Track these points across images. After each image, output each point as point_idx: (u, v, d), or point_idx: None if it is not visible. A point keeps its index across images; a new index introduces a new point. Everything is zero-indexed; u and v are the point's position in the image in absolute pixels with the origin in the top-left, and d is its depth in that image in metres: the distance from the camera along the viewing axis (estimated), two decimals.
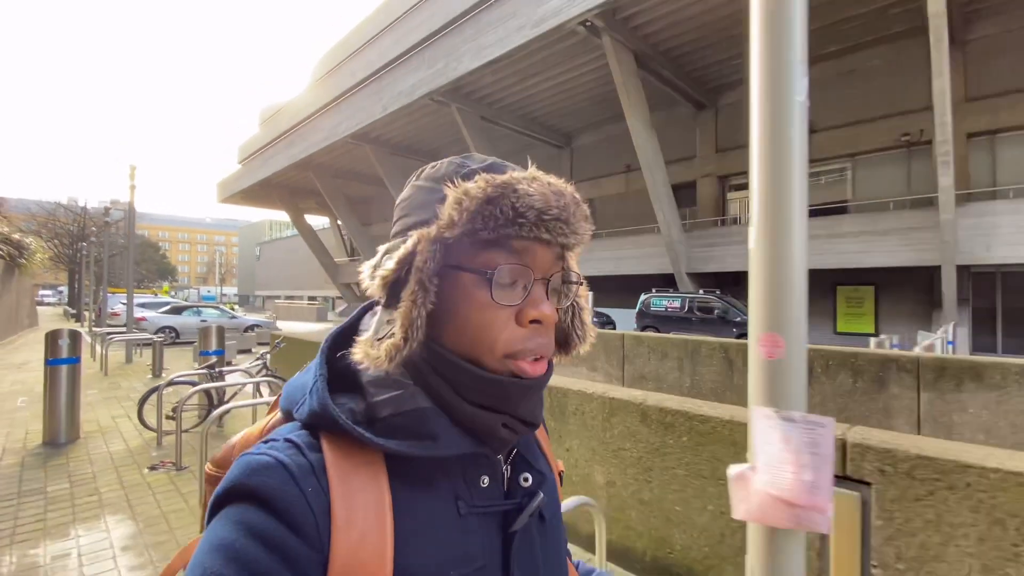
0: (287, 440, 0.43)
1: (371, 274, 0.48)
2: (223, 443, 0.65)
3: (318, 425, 0.44)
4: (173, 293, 56.82)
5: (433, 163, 0.52)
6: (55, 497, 3.36)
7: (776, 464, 0.91)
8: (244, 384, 4.78)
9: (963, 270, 12.08)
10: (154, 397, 4.62)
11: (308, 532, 0.38)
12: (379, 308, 0.49)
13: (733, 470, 0.99)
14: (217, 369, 4.88)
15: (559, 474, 0.63)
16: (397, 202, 0.53)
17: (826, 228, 13.08)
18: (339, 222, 32.18)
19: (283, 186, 30.40)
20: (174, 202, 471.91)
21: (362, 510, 0.41)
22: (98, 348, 10.30)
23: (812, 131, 15.18)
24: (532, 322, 0.47)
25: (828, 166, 15.39)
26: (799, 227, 0.92)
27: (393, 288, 0.46)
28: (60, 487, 3.54)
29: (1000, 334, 12.38)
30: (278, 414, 0.52)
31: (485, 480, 0.49)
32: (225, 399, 4.79)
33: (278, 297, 51.10)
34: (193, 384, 4.61)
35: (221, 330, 5.52)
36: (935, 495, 1.60)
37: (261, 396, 4.79)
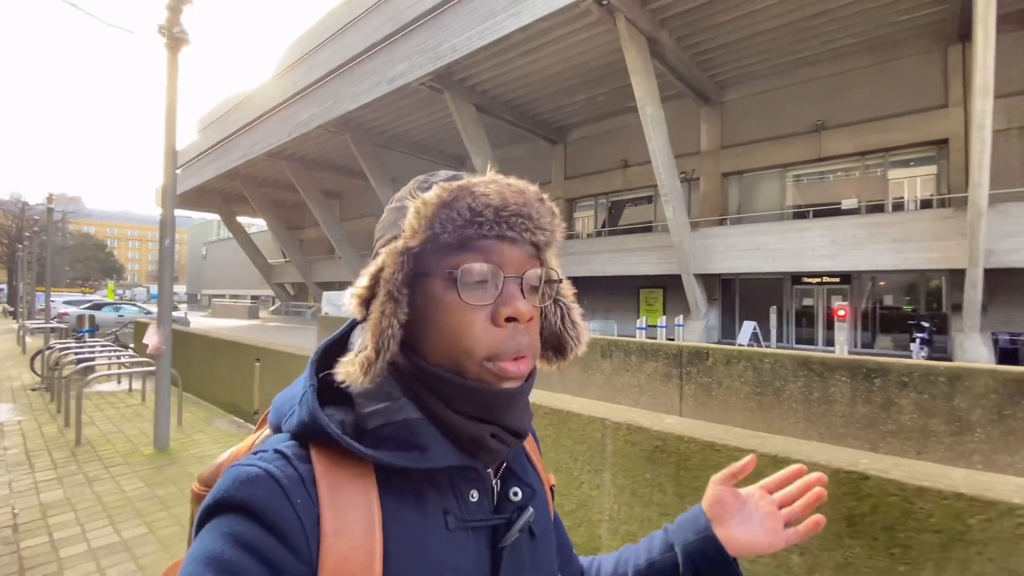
0: (276, 451, 0.43)
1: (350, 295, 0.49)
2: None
3: (307, 436, 0.44)
4: (120, 292, 57.72)
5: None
6: None
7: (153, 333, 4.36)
8: (97, 349, 8.01)
9: (714, 277, 16.22)
10: (43, 358, 7.80)
11: (297, 544, 0.39)
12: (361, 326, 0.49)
13: (151, 330, 4.43)
14: (84, 340, 8.09)
15: (550, 488, 0.62)
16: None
17: (616, 244, 17.05)
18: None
19: (216, 192, 32.78)
20: (127, 198, 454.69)
21: (351, 522, 0.41)
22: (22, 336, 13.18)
23: (626, 166, 19.23)
24: (508, 320, 0.46)
25: (639, 194, 19.43)
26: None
27: (369, 305, 0.47)
28: None
29: (738, 323, 16.58)
30: (267, 430, 0.52)
31: (475, 494, 0.49)
32: (90, 361, 8.01)
33: (223, 296, 52.92)
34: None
35: (92, 317, 8.71)
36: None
37: (120, 366, 8.05)
